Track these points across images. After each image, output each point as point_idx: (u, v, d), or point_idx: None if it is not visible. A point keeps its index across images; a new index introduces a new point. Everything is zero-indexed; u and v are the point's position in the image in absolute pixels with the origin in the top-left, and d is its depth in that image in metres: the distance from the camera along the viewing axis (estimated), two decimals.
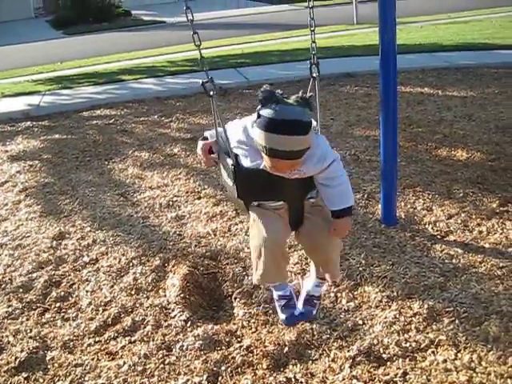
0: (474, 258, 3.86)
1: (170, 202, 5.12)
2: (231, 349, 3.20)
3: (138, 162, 6.23)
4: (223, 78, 9.22)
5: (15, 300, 3.84)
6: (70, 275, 4.10)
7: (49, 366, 3.20)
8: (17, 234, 4.77)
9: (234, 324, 3.43)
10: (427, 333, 3.16)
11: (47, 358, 3.26)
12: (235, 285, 3.82)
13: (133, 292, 3.83)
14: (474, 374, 2.84)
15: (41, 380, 3.10)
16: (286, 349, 3.14)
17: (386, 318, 3.31)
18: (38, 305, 3.78)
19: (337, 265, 2.93)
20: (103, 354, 3.26)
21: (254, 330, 3.36)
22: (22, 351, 3.31)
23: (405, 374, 2.89)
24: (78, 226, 4.83)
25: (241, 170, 2.60)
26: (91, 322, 3.56)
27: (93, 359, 3.22)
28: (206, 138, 2.85)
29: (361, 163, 5.61)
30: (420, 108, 7.35)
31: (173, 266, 4.04)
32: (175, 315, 3.53)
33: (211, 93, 2.67)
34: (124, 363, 3.15)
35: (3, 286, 4.02)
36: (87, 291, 3.89)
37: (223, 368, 3.06)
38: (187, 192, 5.29)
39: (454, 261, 3.85)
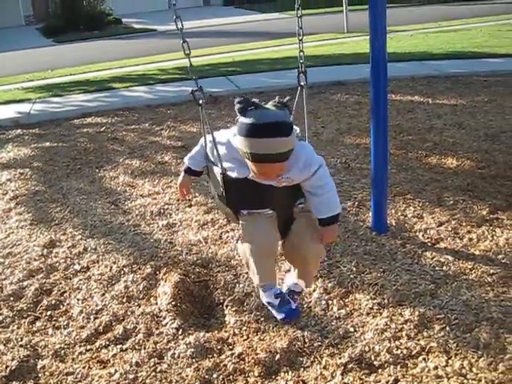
0: (464, 265, 3.88)
1: (161, 210, 5.12)
2: (223, 356, 3.20)
3: (129, 169, 6.22)
4: (214, 86, 9.25)
5: (6, 308, 3.82)
6: (61, 283, 4.08)
7: (40, 375, 3.18)
8: (7, 241, 4.75)
9: (226, 332, 3.43)
10: (418, 340, 3.17)
11: (38, 367, 3.24)
12: (226, 292, 3.81)
13: (124, 300, 3.82)
14: (465, 381, 2.84)
15: None
16: (278, 356, 3.13)
17: (377, 325, 3.32)
18: (29, 313, 3.76)
19: (312, 276, 3.12)
20: (94, 363, 3.25)
21: (245, 337, 3.36)
22: (12, 360, 3.28)
23: (396, 380, 2.89)
24: (69, 233, 4.82)
25: (229, 179, 2.64)
26: (82, 330, 3.54)
27: (84, 367, 3.21)
28: (189, 169, 2.97)
29: (351, 171, 5.63)
30: (410, 116, 7.39)
31: (164, 274, 4.04)
32: (167, 323, 3.52)
33: (200, 101, 2.71)
34: (115, 371, 3.13)
35: None
36: (78, 299, 3.88)
37: (215, 376, 3.05)
38: (178, 200, 5.28)
39: (444, 268, 3.87)
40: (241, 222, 2.79)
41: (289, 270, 3.42)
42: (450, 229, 4.38)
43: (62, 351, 3.37)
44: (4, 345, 3.44)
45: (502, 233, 4.26)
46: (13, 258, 4.47)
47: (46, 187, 5.91)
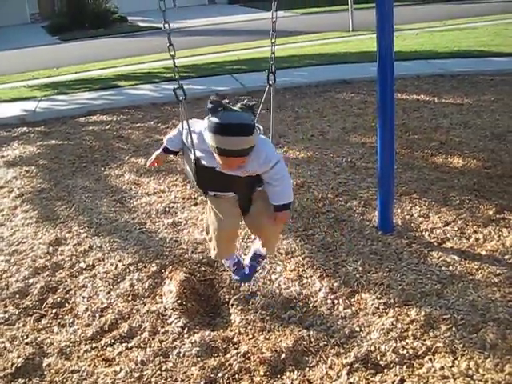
0: (470, 265, 3.87)
1: (167, 209, 5.12)
2: (228, 355, 3.20)
3: (135, 168, 6.22)
4: (219, 85, 9.25)
5: (11, 306, 3.83)
6: (66, 281, 4.09)
7: (45, 373, 3.18)
8: (13, 239, 4.76)
9: (231, 330, 3.43)
10: (424, 340, 3.16)
11: (44, 365, 3.25)
12: (232, 291, 3.81)
13: (129, 298, 3.82)
14: (472, 382, 2.84)
15: None
16: (283, 355, 3.13)
17: (383, 324, 3.31)
18: (35, 311, 3.77)
19: (274, 244, 3.57)
20: (100, 361, 3.25)
21: (250, 336, 3.35)
22: (18, 357, 3.29)
23: (402, 381, 2.89)
24: (75, 231, 4.82)
25: (200, 165, 3.00)
26: (88, 328, 3.55)
27: (89, 365, 3.21)
28: (166, 148, 3.36)
29: (357, 170, 5.62)
30: (416, 115, 7.37)
31: (169, 273, 4.04)
32: (172, 322, 3.52)
33: (180, 98, 2.97)
34: (121, 369, 3.14)
35: None
36: (84, 297, 3.88)
37: (220, 375, 3.05)
38: (184, 198, 5.28)
39: (450, 268, 3.85)
40: (208, 200, 3.23)
41: (255, 238, 3.71)
42: (456, 228, 4.37)
43: (68, 349, 3.37)
44: (10, 342, 3.45)
45: (509, 233, 4.24)
46: (18, 255, 4.48)
47: (52, 185, 5.91)
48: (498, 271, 3.76)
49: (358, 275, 3.83)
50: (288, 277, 3.88)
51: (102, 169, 6.29)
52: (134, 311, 3.67)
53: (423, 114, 7.42)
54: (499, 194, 4.87)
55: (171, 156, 3.67)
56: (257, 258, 3.58)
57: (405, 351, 3.08)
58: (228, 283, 3.90)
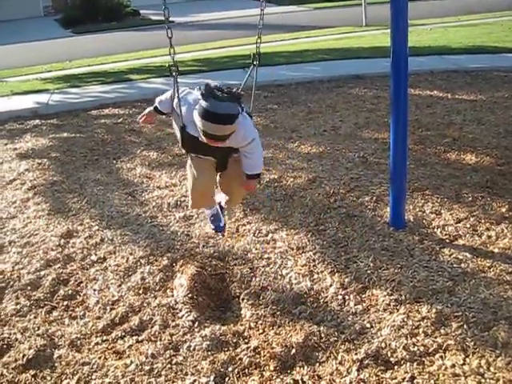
0: (482, 262, 3.85)
1: (178, 202, 5.12)
2: (238, 350, 3.20)
3: (147, 161, 6.23)
4: (231, 79, 9.20)
5: (23, 297, 3.85)
6: (77, 273, 4.11)
7: (56, 364, 3.20)
8: (25, 231, 4.78)
9: (242, 325, 3.43)
10: (435, 337, 3.15)
11: (55, 356, 3.27)
12: (243, 286, 3.82)
13: (140, 291, 3.83)
14: (483, 380, 2.82)
15: (48, 378, 3.11)
16: (294, 351, 3.13)
17: (393, 321, 3.30)
18: (46, 303, 3.79)
19: (236, 202, 4.28)
20: (110, 353, 3.26)
21: (261, 331, 3.35)
22: (29, 349, 3.31)
23: (412, 378, 2.88)
24: (86, 224, 4.84)
25: (185, 132, 3.42)
26: (99, 320, 3.56)
27: (100, 358, 3.23)
28: (156, 108, 3.78)
29: (369, 165, 5.60)
30: (429, 111, 7.32)
31: (181, 266, 4.05)
32: (183, 315, 3.53)
33: (174, 74, 3.34)
34: (131, 362, 3.15)
35: (11, 284, 4.03)
36: (95, 290, 3.90)
37: (230, 369, 3.06)
38: None
39: (462, 265, 3.83)
40: (189, 160, 3.63)
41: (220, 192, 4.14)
42: (468, 226, 4.34)
43: (79, 341, 3.39)
44: (21, 334, 3.47)
45: None
46: (30, 247, 4.50)
47: (64, 178, 5.93)
48: (510, 269, 3.74)
49: (369, 271, 3.82)
50: (299, 272, 3.88)
51: (114, 162, 6.31)
52: (145, 304, 3.68)
53: (436, 109, 7.37)
54: None
55: (163, 116, 4.24)
56: (221, 208, 4.08)
57: (415, 348, 3.07)
58: (239, 278, 3.90)
